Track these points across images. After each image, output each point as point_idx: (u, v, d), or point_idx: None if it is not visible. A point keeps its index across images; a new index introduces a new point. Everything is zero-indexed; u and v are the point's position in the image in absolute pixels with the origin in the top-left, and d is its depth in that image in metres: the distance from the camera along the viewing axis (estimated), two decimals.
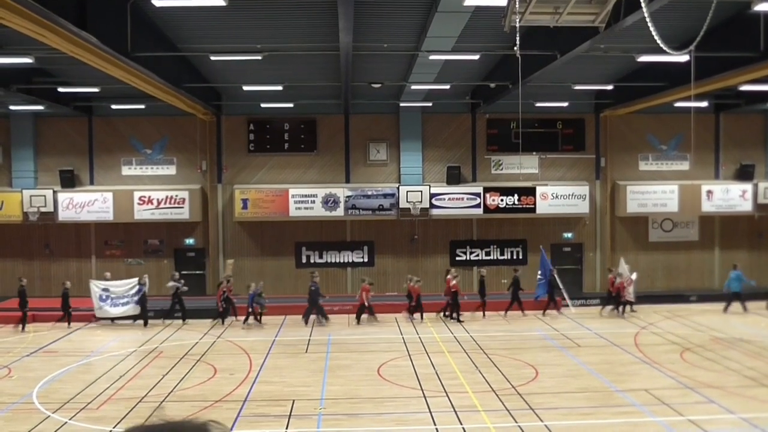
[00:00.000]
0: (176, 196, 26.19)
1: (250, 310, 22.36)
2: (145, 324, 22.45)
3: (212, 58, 18.18)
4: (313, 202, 26.38)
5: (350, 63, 17.43)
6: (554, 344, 19.53)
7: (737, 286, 23.44)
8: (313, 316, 22.84)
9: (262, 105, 25.43)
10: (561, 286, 24.66)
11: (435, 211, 26.69)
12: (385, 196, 26.64)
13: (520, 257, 27.87)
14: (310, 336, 20.89)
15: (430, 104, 25.85)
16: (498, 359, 17.60)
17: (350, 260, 27.44)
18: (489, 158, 27.74)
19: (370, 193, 26.65)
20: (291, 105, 25.49)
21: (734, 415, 12.95)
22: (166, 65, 17.64)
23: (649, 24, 7.41)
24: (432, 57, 17.35)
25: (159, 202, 26.10)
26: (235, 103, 25.84)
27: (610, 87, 23.78)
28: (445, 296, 23.53)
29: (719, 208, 27.75)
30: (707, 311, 24.22)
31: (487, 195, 26.87)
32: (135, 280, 23.00)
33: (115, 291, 22.78)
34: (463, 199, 26.83)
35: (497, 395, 14.38)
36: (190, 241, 27.34)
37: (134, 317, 22.75)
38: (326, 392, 14.81)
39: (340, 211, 26.47)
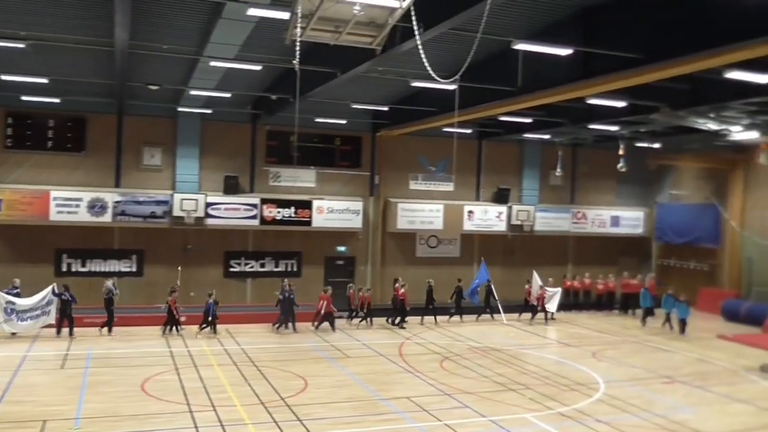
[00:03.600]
0: None
1: (210, 318, 22.03)
2: (58, 332, 21.13)
3: None
4: (78, 206, 24.61)
5: (126, 61, 16.61)
6: (324, 355, 19.89)
7: (671, 306, 25.08)
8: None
9: (24, 98, 23.26)
10: (496, 297, 26.72)
11: (210, 221, 26.10)
12: (158, 203, 25.55)
13: (295, 269, 28.08)
14: (68, 350, 19.42)
15: (210, 111, 25.31)
16: (268, 371, 17.56)
17: (117, 269, 25.88)
18: (268, 170, 27.73)
19: (141, 199, 25.42)
20: (58, 100, 23.59)
21: (485, 418, 14.04)
22: None
23: (421, 52, 7.88)
24: (213, 63, 17.03)
25: None
26: None
27: (386, 108, 24.85)
28: (392, 304, 24.94)
29: (478, 227, 30.11)
30: (465, 323, 26.04)
31: (265, 206, 26.83)
32: (49, 289, 21.17)
33: (21, 305, 20.80)
34: (239, 209, 26.53)
35: (266, 407, 14.34)
36: None
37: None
38: (83, 410, 13.82)
39: (107, 217, 24.95)
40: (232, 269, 27.42)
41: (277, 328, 23.20)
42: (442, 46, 15.25)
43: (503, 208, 30.47)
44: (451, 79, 11.47)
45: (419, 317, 25.62)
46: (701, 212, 31.04)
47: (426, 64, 8.46)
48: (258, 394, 15.40)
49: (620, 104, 19.65)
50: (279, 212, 26.99)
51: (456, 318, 26.23)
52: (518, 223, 30.49)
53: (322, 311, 23.36)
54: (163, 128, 26.25)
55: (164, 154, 26.37)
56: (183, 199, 25.49)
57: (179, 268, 24.15)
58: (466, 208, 29.87)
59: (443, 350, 21.02)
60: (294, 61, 9.55)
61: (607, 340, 23.61)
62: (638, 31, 13.07)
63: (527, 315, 27.09)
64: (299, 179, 27.97)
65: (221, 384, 16.24)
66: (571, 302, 29.34)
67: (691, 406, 15.71)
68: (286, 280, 24.19)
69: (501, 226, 30.44)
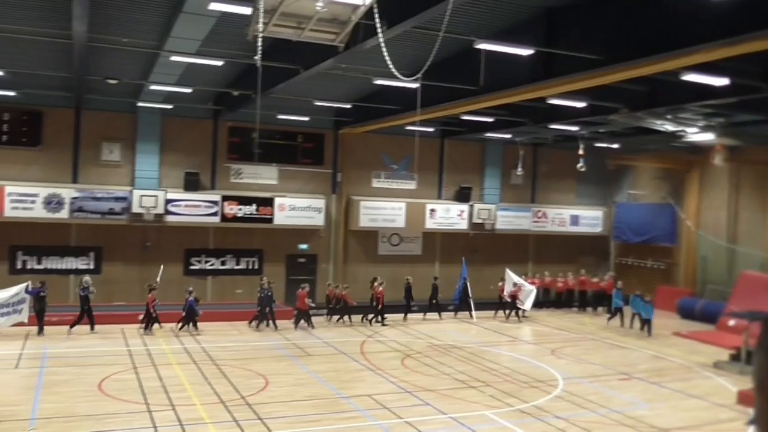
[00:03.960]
0: None
1: (194, 316, 22.15)
2: (40, 331, 20.82)
3: None
4: (34, 201, 24.08)
5: (85, 54, 16.30)
6: (285, 353, 19.80)
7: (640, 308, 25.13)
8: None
9: None
10: (470, 296, 27.25)
11: (170, 218, 25.77)
12: (116, 199, 25.14)
13: (257, 267, 27.90)
14: (23, 349, 19.02)
15: (171, 107, 24.97)
16: (229, 370, 17.43)
17: (74, 267, 25.42)
18: (229, 166, 27.48)
19: (100, 195, 24.98)
20: (13, 93, 23.05)
21: (445, 416, 14.12)
22: None
23: (384, 50, 7.88)
24: (174, 58, 16.82)
25: None
26: None
27: (349, 106, 24.81)
28: (372, 302, 25.05)
29: (440, 226, 30.24)
30: (427, 320, 26.17)
31: (226, 203, 26.58)
32: (22, 286, 20.47)
33: None
34: (200, 206, 26.25)
35: (226, 406, 14.22)
36: None
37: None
38: (38, 411, 13.56)
39: (64, 213, 24.46)
40: (192, 267, 27.11)
41: (257, 325, 23.26)
42: (405, 44, 15.26)
43: (465, 207, 30.65)
44: (413, 78, 11.49)
45: (401, 314, 26.13)
46: (658, 212, 31.63)
47: (388, 62, 8.46)
48: (218, 392, 15.27)
49: (580, 105, 19.91)
50: (240, 209, 26.77)
51: (433, 314, 26.76)
52: (480, 221, 30.71)
53: (298, 307, 23.62)
54: (122, 123, 25.82)
55: (123, 149, 25.95)
56: (142, 196, 25.13)
57: (161, 266, 24.02)
58: (428, 207, 29.97)
59: (405, 348, 21.08)
60: (256, 57, 9.47)
61: (566, 338, 23.92)
62: (598, 33, 13.26)
63: (503, 313, 27.58)
64: (261, 176, 27.77)
65: (181, 383, 16.06)
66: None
67: (647, 401, 16.01)
68: (265, 278, 24.35)
69: (463, 225, 30.62)
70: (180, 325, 22.33)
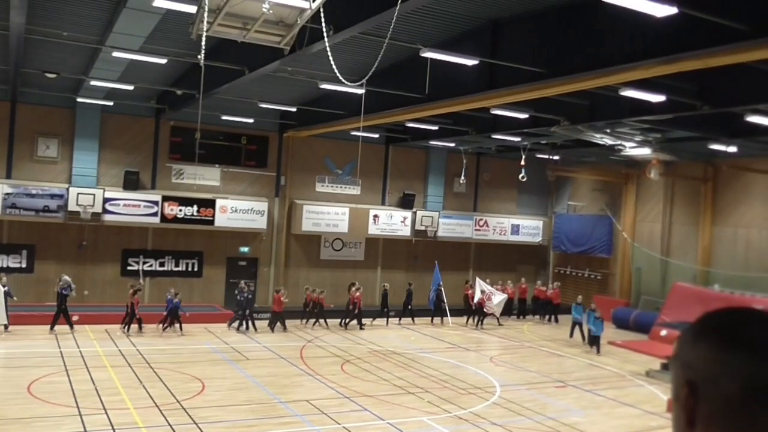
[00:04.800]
0: None
1: (177, 316, 22.51)
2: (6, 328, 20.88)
3: None
4: None
5: (22, 47, 15.83)
6: (223, 357, 19.55)
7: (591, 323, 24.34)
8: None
9: None
10: (444, 300, 27.85)
11: (108, 217, 25.17)
12: (52, 196, 24.43)
13: (196, 269, 27.47)
14: None
15: (112, 103, 24.40)
16: (164, 373, 17.10)
17: (5, 265, 24.56)
18: (171, 166, 27.01)
19: (34, 192, 24.23)
20: None
21: (383, 421, 14.14)
22: None
23: (329, 55, 7.88)
24: (116, 54, 16.45)
25: None
26: None
27: (294, 109, 24.68)
28: (348, 307, 25.79)
29: (383, 232, 30.31)
30: (366, 325, 26.17)
31: (166, 204, 26.09)
32: None
33: None
34: (139, 206, 25.71)
35: (160, 410, 13.95)
36: None
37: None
38: None
39: None
40: (129, 267, 26.51)
41: (237, 328, 23.92)
42: (352, 49, 15.29)
43: (408, 214, 30.80)
44: (358, 83, 11.51)
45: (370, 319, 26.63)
46: (596, 223, 32.37)
47: (334, 67, 8.46)
48: (153, 396, 14.97)
49: (523, 116, 20.25)
50: (181, 210, 26.31)
51: (407, 319, 27.45)
52: (422, 228, 30.89)
53: (274, 310, 24.46)
54: (60, 118, 25.12)
55: (61, 145, 25.23)
56: (79, 194, 24.45)
57: (141, 266, 24.57)
58: (372, 212, 30.01)
59: (344, 353, 21.05)
60: (199, 57, 9.35)
61: (504, 345, 24.25)
62: (541, 46, 13.52)
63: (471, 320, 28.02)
64: (203, 177, 27.38)
65: (114, 386, 15.70)
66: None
67: (582, 409, 16.34)
68: (243, 281, 24.89)
69: (405, 231, 30.75)
70: (164, 325, 22.59)
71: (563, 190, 34.67)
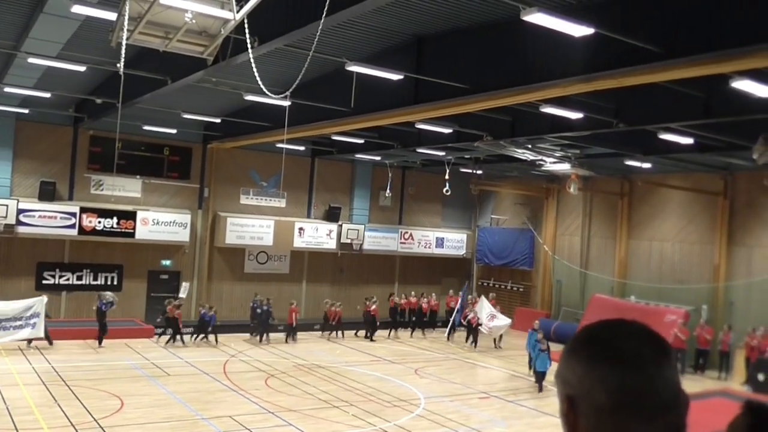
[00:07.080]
0: None
1: (207, 328, 24.11)
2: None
3: None
4: None
5: None
6: (143, 373, 19.04)
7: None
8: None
9: None
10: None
11: (22, 229, 24.20)
12: None
13: (116, 283, 26.66)
14: None
15: (27, 111, 23.54)
16: (81, 391, 16.52)
17: None
18: (89, 177, 26.21)
19: None
20: None
21: None
22: None
23: (253, 66, 7.84)
24: (32, 60, 15.91)
25: None
26: None
27: (218, 120, 24.34)
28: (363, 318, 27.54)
29: (309, 245, 30.14)
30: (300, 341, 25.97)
31: (84, 215, 25.26)
32: (35, 300, 20.59)
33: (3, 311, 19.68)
34: (56, 217, 24.82)
35: (76, 430, 13.48)
36: None
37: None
38: None
39: None
40: (45, 281, 25.49)
41: (260, 339, 25.23)
42: (277, 61, 15.23)
43: (334, 226, 30.75)
44: (282, 95, 11.47)
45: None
46: (518, 236, 33.07)
47: (258, 79, 8.41)
48: (68, 415, 14.44)
49: (447, 131, 20.57)
50: (100, 222, 25.52)
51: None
52: (348, 241, 30.88)
53: (288, 323, 25.92)
54: None
55: None
56: None
57: (186, 283, 26.33)
58: (297, 225, 29.82)
59: (269, 368, 20.81)
60: (119, 65, 9.14)
61: (429, 357, 24.44)
62: (464, 62, 13.78)
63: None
64: (124, 188, 26.63)
65: (27, 405, 15.08)
66: (399, 320, 29.86)
67: (504, 419, 16.62)
68: (258, 294, 26.05)
69: (331, 244, 30.67)
70: (195, 336, 24.18)
71: (486, 203, 35.30)
